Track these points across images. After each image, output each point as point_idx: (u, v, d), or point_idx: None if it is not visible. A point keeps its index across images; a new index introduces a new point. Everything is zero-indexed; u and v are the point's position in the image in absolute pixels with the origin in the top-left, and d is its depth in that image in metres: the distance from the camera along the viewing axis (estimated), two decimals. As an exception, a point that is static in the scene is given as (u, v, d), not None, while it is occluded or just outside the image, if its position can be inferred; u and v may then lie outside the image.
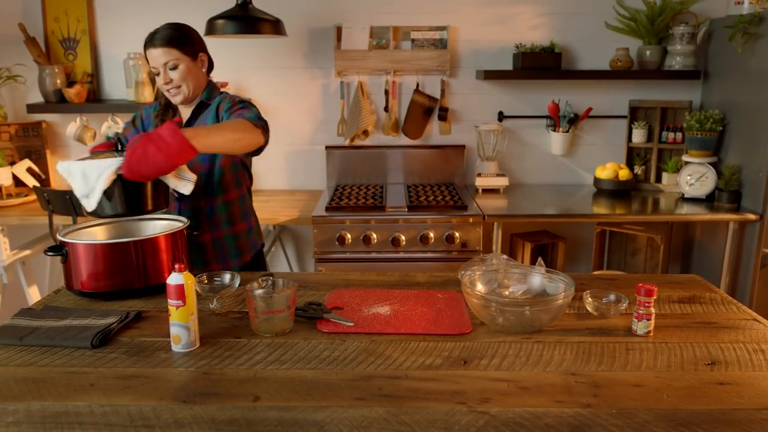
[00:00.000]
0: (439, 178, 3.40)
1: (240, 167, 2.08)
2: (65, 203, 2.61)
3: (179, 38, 1.92)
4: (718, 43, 3.13)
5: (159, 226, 1.87)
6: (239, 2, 2.81)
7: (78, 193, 1.64)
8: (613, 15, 3.26)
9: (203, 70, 2.01)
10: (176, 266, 1.33)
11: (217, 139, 1.69)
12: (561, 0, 3.26)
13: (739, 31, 2.83)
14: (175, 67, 1.92)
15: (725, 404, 1.13)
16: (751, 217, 2.81)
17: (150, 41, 1.90)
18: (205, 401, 1.14)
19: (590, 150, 3.45)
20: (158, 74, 1.93)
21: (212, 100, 2.03)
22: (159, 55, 1.89)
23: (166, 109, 2.06)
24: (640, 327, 1.43)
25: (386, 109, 3.35)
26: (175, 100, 1.97)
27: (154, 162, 1.54)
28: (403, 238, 2.78)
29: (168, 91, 1.95)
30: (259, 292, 1.44)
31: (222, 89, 3.06)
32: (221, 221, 2.05)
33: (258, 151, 1.89)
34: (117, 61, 3.28)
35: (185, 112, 2.05)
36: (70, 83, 3.22)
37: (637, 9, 3.21)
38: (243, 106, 1.94)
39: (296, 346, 1.37)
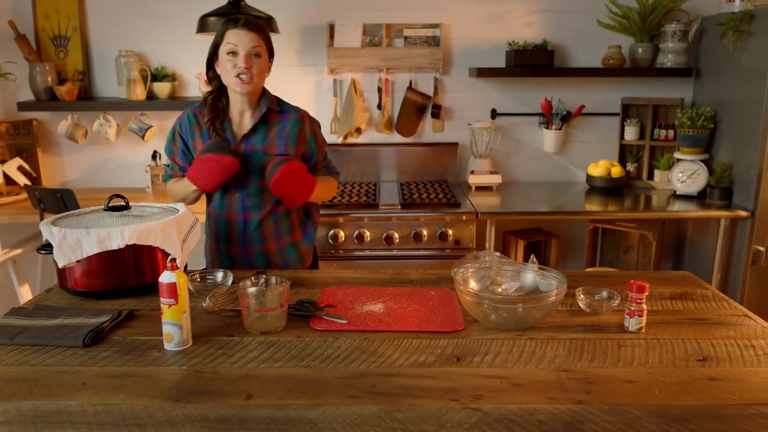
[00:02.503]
0: (432, 175, 3.40)
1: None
2: (56, 201, 2.60)
3: (267, 33, 1.92)
4: (709, 41, 3.15)
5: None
6: (231, 0, 2.80)
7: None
8: (605, 13, 3.26)
9: (269, 71, 1.97)
10: (168, 264, 1.33)
11: (322, 193, 2.04)
12: (553, -3, 3.27)
13: (731, 28, 2.85)
14: (258, 55, 1.87)
15: (716, 400, 1.14)
16: (743, 213, 2.82)
17: (243, 23, 1.86)
18: (198, 400, 1.14)
19: (583, 147, 3.46)
20: (231, 54, 1.84)
21: (286, 114, 2.00)
22: (247, 39, 1.84)
23: (216, 113, 1.95)
24: (632, 323, 1.43)
25: (379, 106, 3.35)
26: (243, 88, 1.87)
27: (306, 193, 1.90)
28: (396, 235, 2.79)
29: (239, 76, 1.85)
30: (251, 290, 1.44)
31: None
32: (283, 231, 2.04)
33: None
34: (108, 59, 3.26)
35: (243, 116, 1.97)
36: (61, 81, 3.21)
37: (629, 7, 3.21)
38: (326, 154, 2.12)
39: (289, 344, 1.37)
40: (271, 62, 1.96)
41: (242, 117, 1.97)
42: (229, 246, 2.02)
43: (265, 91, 1.99)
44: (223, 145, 1.85)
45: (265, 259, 2.03)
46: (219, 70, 1.92)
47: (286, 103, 2.05)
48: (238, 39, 1.84)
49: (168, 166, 2.08)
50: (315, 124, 2.07)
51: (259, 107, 1.96)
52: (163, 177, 2.08)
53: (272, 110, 1.98)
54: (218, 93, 1.97)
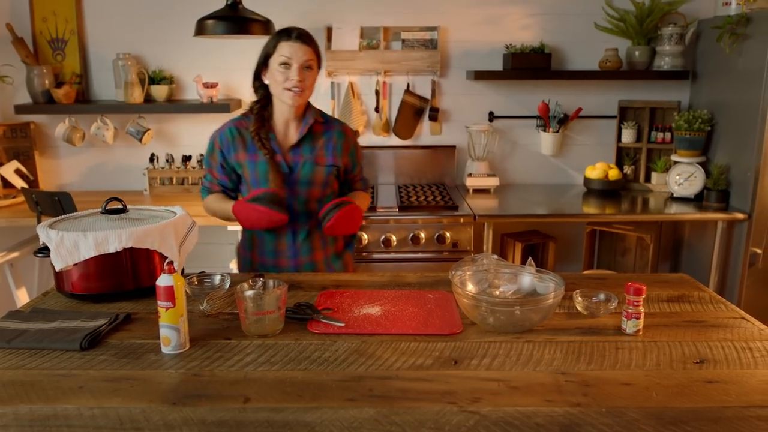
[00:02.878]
0: (429, 178, 3.41)
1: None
2: (54, 204, 2.60)
3: (317, 45, 1.91)
4: (706, 44, 3.16)
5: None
6: (229, 2, 2.80)
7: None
8: (602, 15, 3.27)
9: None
10: (166, 267, 1.33)
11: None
12: (550, 1, 3.27)
13: (727, 31, 2.86)
14: (310, 68, 1.87)
15: (713, 402, 1.14)
16: (739, 216, 2.83)
17: (297, 36, 1.85)
18: (195, 403, 1.14)
19: (580, 150, 3.47)
20: (286, 66, 1.84)
21: (330, 125, 2.01)
22: (301, 52, 1.84)
23: (261, 123, 1.95)
24: (629, 326, 1.43)
25: (377, 109, 3.35)
26: (294, 101, 1.87)
27: (355, 228, 1.95)
28: (394, 238, 2.79)
29: (291, 89, 1.85)
30: (249, 293, 1.44)
31: (212, 88, 3.05)
32: (329, 241, 2.06)
33: None
34: (106, 62, 3.26)
35: (288, 126, 1.97)
36: (59, 84, 3.20)
37: (626, 10, 3.22)
38: (362, 165, 2.15)
39: (287, 347, 1.37)
40: (318, 72, 1.94)
41: (287, 127, 1.97)
42: (277, 258, 2.01)
43: (308, 103, 1.99)
44: (277, 199, 1.82)
45: (313, 269, 2.03)
46: (267, 80, 1.91)
47: (328, 115, 2.06)
48: (291, 52, 1.84)
49: (205, 177, 2.07)
50: (355, 136, 2.10)
51: (306, 118, 1.97)
52: (200, 189, 2.11)
53: (317, 121, 1.98)
54: (264, 102, 1.97)
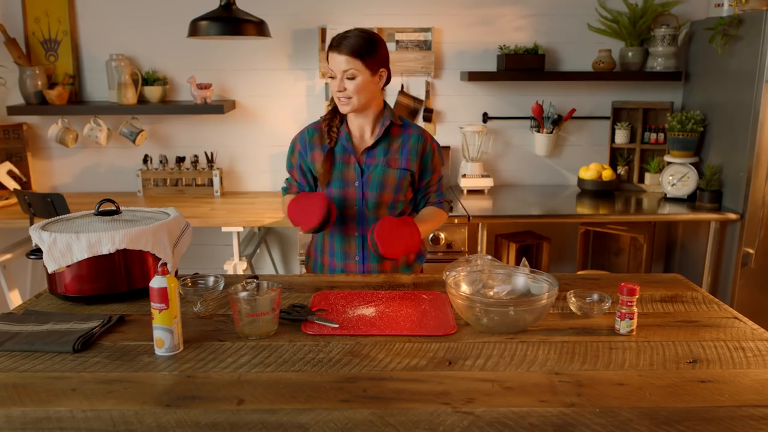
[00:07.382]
0: (424, 179, 3.40)
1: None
2: (46, 206, 2.59)
3: (366, 50, 1.83)
4: (698, 45, 3.17)
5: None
6: (223, 3, 2.80)
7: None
8: (595, 17, 3.28)
9: (380, 85, 1.91)
10: (159, 269, 1.32)
11: (429, 229, 2.02)
12: (544, 2, 3.28)
13: (719, 32, 2.87)
14: (353, 78, 1.83)
15: (706, 402, 1.15)
16: (732, 216, 2.84)
17: (335, 45, 1.82)
18: (189, 405, 1.13)
19: (574, 151, 3.48)
20: (332, 78, 1.85)
21: (408, 129, 1.97)
22: (340, 62, 1.82)
23: (334, 115, 1.96)
24: (623, 326, 1.44)
25: (371, 110, 3.35)
26: (343, 109, 1.89)
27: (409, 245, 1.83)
28: (388, 239, 2.78)
29: (339, 98, 1.87)
30: (243, 294, 1.44)
31: (206, 89, 3.05)
32: None
33: None
34: (99, 63, 3.25)
35: (363, 129, 1.96)
36: (52, 85, 3.19)
37: (619, 11, 3.24)
38: (441, 177, 2.07)
39: (281, 349, 1.36)
40: (381, 73, 1.89)
41: (362, 130, 1.96)
42: (346, 262, 1.99)
43: (386, 105, 1.98)
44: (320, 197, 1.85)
45: None
46: None
47: (407, 119, 2.03)
48: (333, 63, 1.83)
49: (287, 179, 2.11)
50: (435, 143, 2.03)
51: (382, 121, 1.94)
52: (281, 187, 2.17)
53: (394, 124, 1.96)
54: None
